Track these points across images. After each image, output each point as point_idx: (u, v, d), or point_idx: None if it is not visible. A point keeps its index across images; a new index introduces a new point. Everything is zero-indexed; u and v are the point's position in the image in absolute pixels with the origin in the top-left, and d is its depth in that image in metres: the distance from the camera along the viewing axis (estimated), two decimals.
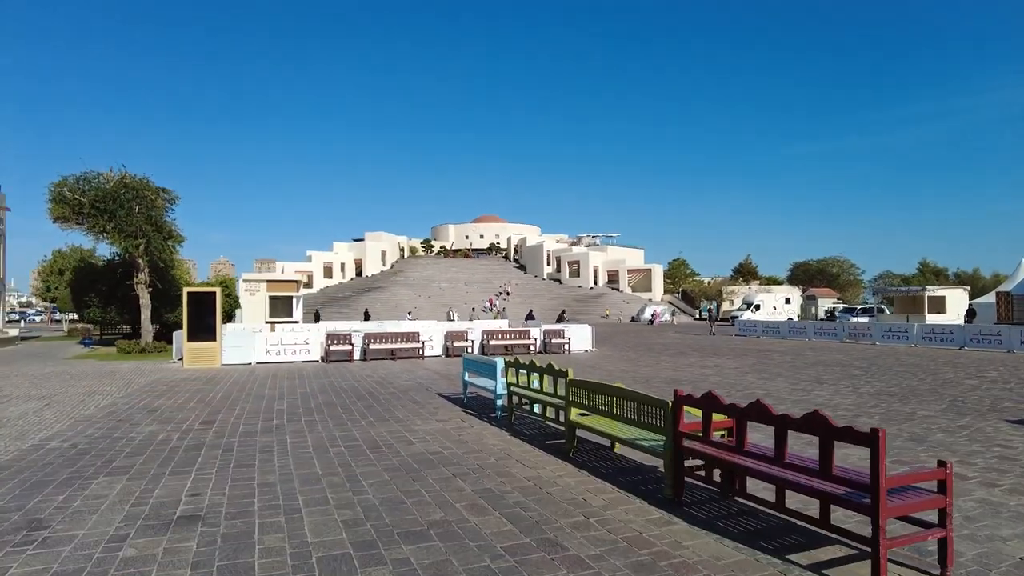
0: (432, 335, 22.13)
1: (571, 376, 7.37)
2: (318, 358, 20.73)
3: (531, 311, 39.94)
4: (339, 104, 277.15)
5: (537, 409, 8.65)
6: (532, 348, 22.89)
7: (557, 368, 7.71)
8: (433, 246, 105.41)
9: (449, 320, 47.58)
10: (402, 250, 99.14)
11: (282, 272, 64.80)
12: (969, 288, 45.36)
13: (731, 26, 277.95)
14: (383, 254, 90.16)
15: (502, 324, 33.33)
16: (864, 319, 41.60)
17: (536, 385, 8.74)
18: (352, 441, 8.23)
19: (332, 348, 20.34)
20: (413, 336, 21.43)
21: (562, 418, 8.13)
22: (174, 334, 20.85)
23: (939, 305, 40.28)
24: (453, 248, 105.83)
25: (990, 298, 42.63)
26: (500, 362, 9.84)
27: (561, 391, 7.90)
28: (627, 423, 6.28)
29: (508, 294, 73.48)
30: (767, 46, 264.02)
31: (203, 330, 19.26)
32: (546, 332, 23.30)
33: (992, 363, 18.68)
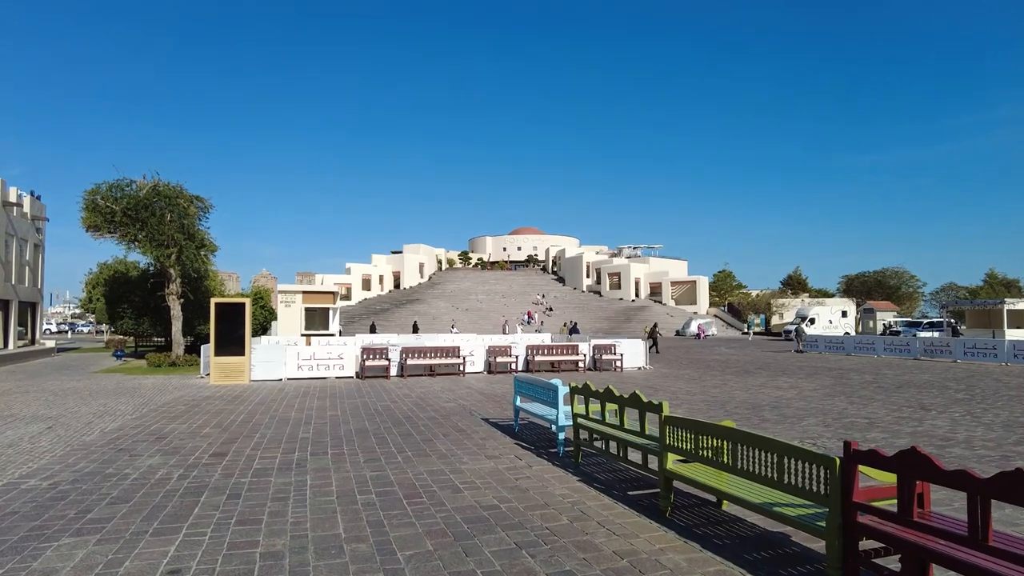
0: (473, 350, 20.58)
1: (667, 411, 5.68)
2: (353, 374, 19.37)
3: (575, 324, 38.14)
4: (377, 116, 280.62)
5: (612, 447, 6.96)
6: (581, 365, 21.14)
7: (646, 400, 6.03)
8: (471, 258, 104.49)
9: (505, 333, 45.91)
10: (440, 262, 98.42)
11: (321, 284, 64.49)
12: None
13: (775, 35, 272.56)
14: (421, 266, 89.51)
15: (544, 338, 31.66)
16: (935, 334, 38.63)
17: (612, 419, 7.05)
18: (386, 485, 6.66)
19: (367, 364, 18.96)
20: (453, 351, 19.91)
21: (650, 463, 6.44)
22: (202, 348, 19.76)
23: (1020, 319, 37.13)
24: (491, 260, 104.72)
25: None
26: (562, 387, 8.18)
27: (650, 428, 6.21)
28: (755, 480, 4.56)
29: (545, 306, 71.74)
30: (814, 55, 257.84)
31: (231, 344, 18.09)
32: (595, 348, 21.53)
33: None
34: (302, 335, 29.39)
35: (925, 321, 46.41)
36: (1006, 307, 37.36)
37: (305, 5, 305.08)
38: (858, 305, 59.97)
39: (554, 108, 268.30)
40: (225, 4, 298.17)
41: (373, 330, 44.98)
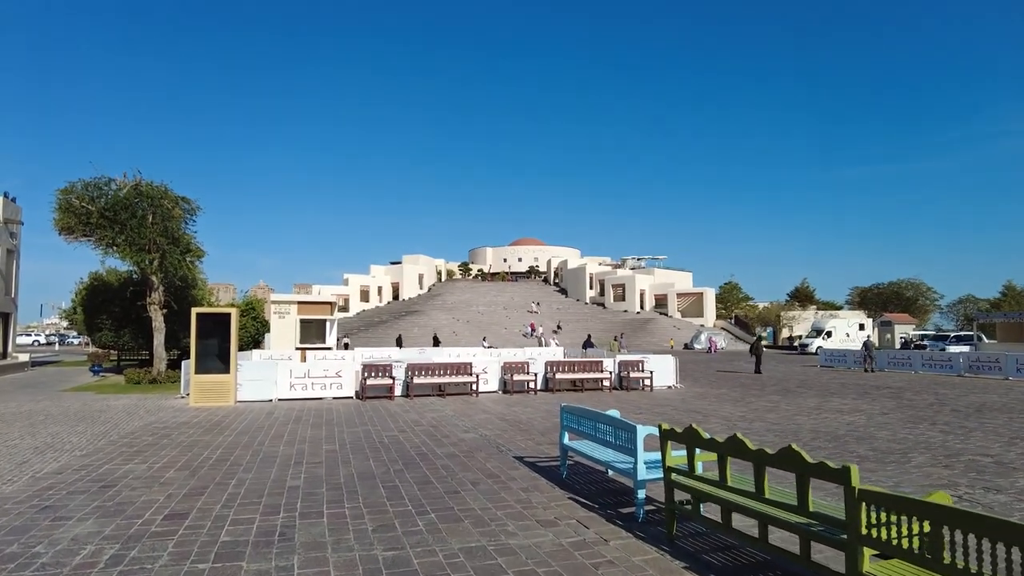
0: (487, 367, 18.45)
1: (857, 480, 3.58)
2: (352, 394, 17.21)
3: (589, 337, 36.01)
4: (374, 125, 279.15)
5: (740, 522, 4.84)
6: (606, 383, 19.01)
7: (809, 460, 3.92)
8: (471, 269, 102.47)
9: (542, 345, 42.93)
10: (439, 273, 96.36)
11: (318, 294, 62.23)
12: None
13: (781, 45, 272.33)
14: (420, 277, 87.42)
15: (557, 352, 29.53)
16: (964, 348, 36.55)
17: (734, 481, 4.92)
18: None
19: (369, 383, 16.80)
20: (465, 368, 17.77)
21: (814, 551, 4.30)
22: (183, 364, 17.61)
23: None
24: (491, 271, 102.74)
25: None
26: (642, 429, 6.06)
27: (817, 500, 4.10)
28: None
29: (539, 314, 69.60)
30: (822, 66, 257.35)
31: (215, 360, 15.94)
32: (621, 364, 19.40)
33: None
34: (297, 349, 27.25)
35: (952, 335, 44.36)
36: None
37: (301, 9, 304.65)
38: (875, 318, 57.95)
39: (556, 118, 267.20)
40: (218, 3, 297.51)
41: (400, 343, 41.65)
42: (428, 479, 7.68)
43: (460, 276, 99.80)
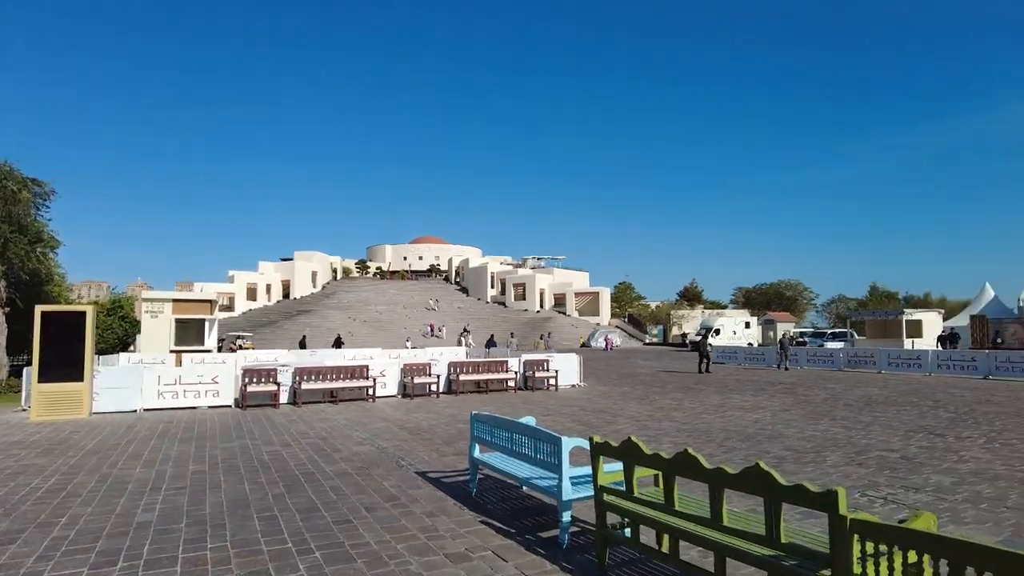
0: (385, 369, 17.22)
1: (845, 507, 2.94)
2: (231, 402, 15.46)
3: (491, 336, 35.30)
4: (268, 116, 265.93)
5: (692, 555, 4.13)
6: (511, 384, 18.30)
7: (783, 482, 3.25)
8: (369, 267, 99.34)
9: (462, 346, 40.63)
10: (335, 271, 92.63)
11: (200, 292, 57.66)
12: (943, 312, 43.94)
13: (678, 48, 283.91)
14: (314, 275, 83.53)
15: (458, 353, 28.61)
16: (840, 344, 39.11)
17: (682, 504, 4.20)
18: None
19: (250, 389, 15.13)
20: (360, 372, 16.46)
21: None
22: (24, 371, 15.15)
23: (916, 329, 38.25)
24: (390, 270, 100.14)
25: (960, 321, 41.14)
26: (568, 442, 5.26)
27: (789, 528, 3.43)
28: None
29: (439, 311, 68.52)
30: (718, 81, 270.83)
31: (66, 366, 13.73)
32: (527, 364, 18.77)
33: None
34: (172, 351, 24.66)
35: (829, 332, 47.47)
36: (904, 318, 38.42)
37: None
38: (760, 316, 61.30)
39: (456, 117, 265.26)
40: None
41: (303, 345, 38.41)
42: (314, 505, 6.54)
43: (358, 274, 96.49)
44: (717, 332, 52.95)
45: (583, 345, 58.88)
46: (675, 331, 72.00)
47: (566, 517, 5.15)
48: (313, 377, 15.83)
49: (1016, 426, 11.42)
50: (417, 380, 16.96)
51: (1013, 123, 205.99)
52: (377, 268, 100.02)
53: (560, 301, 79.69)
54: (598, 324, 71.46)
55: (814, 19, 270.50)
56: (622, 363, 33.10)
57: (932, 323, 39.64)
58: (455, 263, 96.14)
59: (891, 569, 2.88)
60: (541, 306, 78.19)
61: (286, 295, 78.33)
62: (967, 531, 5.47)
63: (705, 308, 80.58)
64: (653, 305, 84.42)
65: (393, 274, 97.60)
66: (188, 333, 25.73)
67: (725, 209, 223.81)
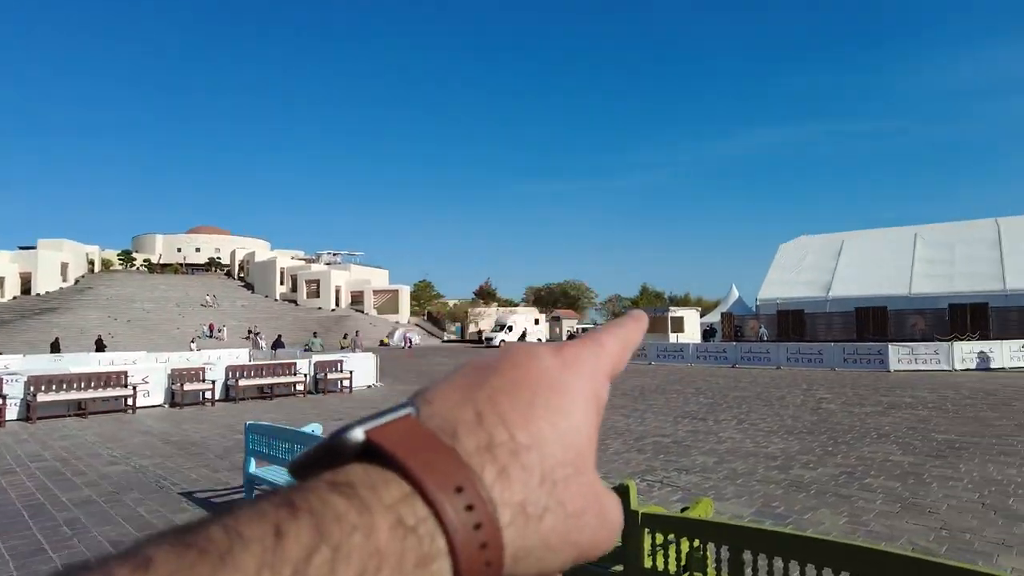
0: (148, 376, 15.07)
1: (636, 501, 2.92)
2: None
3: (279, 336, 32.92)
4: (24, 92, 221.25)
5: None
6: (300, 388, 17.10)
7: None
8: (135, 259, 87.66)
9: (257, 348, 35.73)
10: (92, 263, 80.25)
11: None
12: (700, 309, 50.19)
13: (489, 57, 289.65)
14: (64, 267, 71.49)
15: (239, 355, 26.26)
16: None
17: None
18: None
19: None
20: (117, 379, 14.20)
21: None
22: None
23: (679, 325, 43.32)
24: (162, 263, 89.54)
25: (713, 318, 47.52)
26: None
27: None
28: None
29: (217, 307, 63.06)
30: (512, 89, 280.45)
31: None
32: (318, 365, 17.68)
33: (805, 380, 18.43)
34: None
35: None
36: (669, 315, 43.33)
37: None
38: (546, 314, 65.13)
39: (235, 96, 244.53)
40: None
41: (57, 348, 31.76)
42: (39, 546, 5.30)
43: (121, 267, 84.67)
44: (510, 329, 55.30)
45: (383, 344, 57.85)
46: (472, 328, 73.93)
47: None
48: (53, 387, 13.28)
49: (758, 408, 13.22)
50: (188, 387, 15.08)
51: (760, 150, 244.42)
52: (145, 260, 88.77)
53: (358, 299, 77.50)
54: (397, 322, 70.75)
55: (602, 39, 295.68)
56: (421, 361, 32.96)
57: (693, 319, 45.20)
58: (239, 257, 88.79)
59: (677, 557, 2.91)
60: (337, 304, 75.36)
61: (27, 290, 66.16)
62: (729, 506, 6.03)
63: (499, 306, 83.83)
64: (451, 303, 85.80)
65: (165, 267, 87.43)
66: None
67: (519, 211, 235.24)
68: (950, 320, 34.12)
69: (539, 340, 51.26)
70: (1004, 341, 23.05)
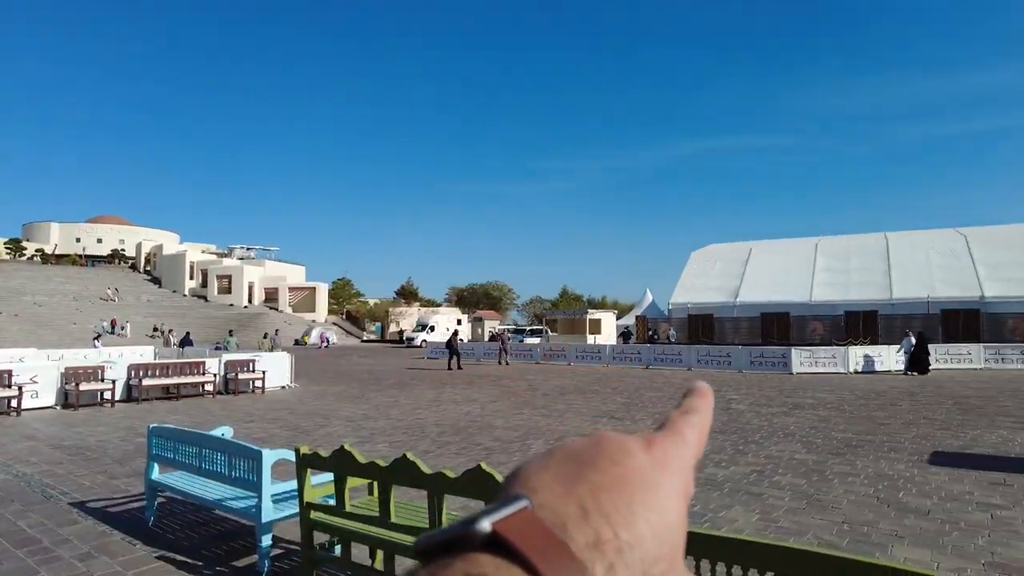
0: (37, 375, 13.93)
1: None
2: None
3: (188, 334, 31.19)
4: None
5: (404, 566, 3.81)
6: (209, 388, 16.26)
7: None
8: (26, 248, 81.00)
9: (169, 346, 32.60)
10: None
11: None
12: (617, 312, 51.49)
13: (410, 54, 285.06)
14: None
15: (144, 353, 24.74)
16: (537, 340, 43.42)
17: (400, 514, 3.88)
18: None
19: None
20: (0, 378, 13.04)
21: None
22: None
23: (597, 327, 44.32)
24: (57, 253, 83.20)
25: (629, 320, 48.87)
26: (270, 455, 4.60)
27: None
28: None
29: (118, 300, 59.36)
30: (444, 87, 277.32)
31: None
32: (229, 365, 16.88)
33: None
34: None
35: (528, 329, 52.33)
36: (588, 317, 44.25)
37: None
38: (468, 314, 65.03)
39: (151, 90, 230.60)
40: None
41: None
42: None
43: (9, 257, 77.94)
44: (432, 329, 54.85)
45: (298, 343, 56.01)
46: (393, 328, 72.78)
47: (266, 541, 4.50)
48: None
49: (672, 407, 13.63)
50: (85, 387, 14.02)
51: (678, 160, 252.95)
52: (38, 250, 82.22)
53: (272, 296, 74.68)
54: (313, 321, 68.68)
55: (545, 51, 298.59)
56: (339, 361, 32.13)
57: (609, 322, 46.33)
58: (145, 249, 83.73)
59: None
60: (250, 301, 72.36)
61: None
62: None
63: (421, 306, 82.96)
64: (372, 302, 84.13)
65: (61, 258, 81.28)
66: None
67: (443, 211, 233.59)
68: (846, 326, 36.54)
69: (461, 340, 51.06)
70: (890, 346, 24.89)
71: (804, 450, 8.95)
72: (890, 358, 23.65)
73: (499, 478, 3.18)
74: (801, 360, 23.37)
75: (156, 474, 5.72)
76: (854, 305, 37.18)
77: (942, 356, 24.35)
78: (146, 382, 15.16)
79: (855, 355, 23.53)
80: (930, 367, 22.24)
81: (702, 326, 41.34)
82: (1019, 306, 32.93)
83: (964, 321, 33.75)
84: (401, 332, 68.61)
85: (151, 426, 5.87)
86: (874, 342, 31.16)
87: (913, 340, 22.42)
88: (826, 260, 41.56)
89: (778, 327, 38.91)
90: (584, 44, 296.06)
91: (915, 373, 21.92)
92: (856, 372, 22.90)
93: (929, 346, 22.71)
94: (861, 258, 40.47)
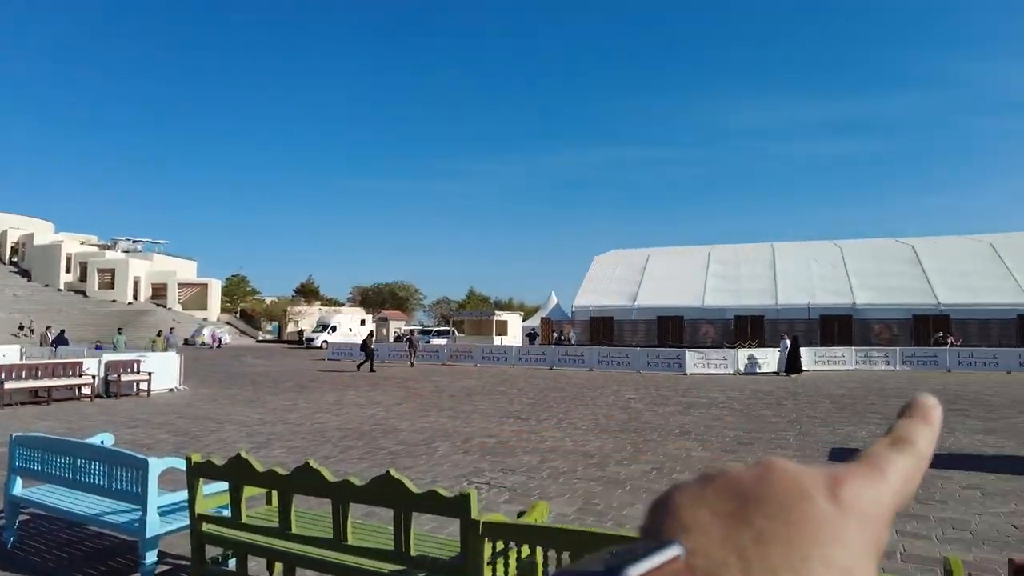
0: None
1: (477, 511, 2.88)
2: None
3: (62, 332, 28.49)
4: None
5: None
6: (87, 391, 14.94)
7: (414, 490, 3.05)
8: None
9: (43, 345, 28.52)
10: None
11: None
12: (523, 314, 52.05)
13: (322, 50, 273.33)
14: None
15: (7, 353, 22.43)
16: (444, 340, 43.16)
17: (300, 524, 3.69)
18: None
19: None
20: None
21: None
22: None
23: (503, 328, 44.62)
24: None
25: (535, 322, 49.57)
26: (156, 464, 4.26)
27: (421, 540, 3.22)
28: None
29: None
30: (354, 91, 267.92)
31: None
32: (110, 365, 15.60)
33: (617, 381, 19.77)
34: None
35: (435, 329, 51.92)
36: (495, 318, 44.50)
37: None
38: (372, 315, 63.71)
39: (28, 69, 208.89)
40: None
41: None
42: None
43: None
44: (333, 329, 53.26)
45: (188, 342, 52.72)
46: (291, 328, 70.00)
47: (151, 557, 4.16)
48: None
49: (575, 407, 13.96)
50: None
51: (584, 168, 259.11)
52: None
53: (160, 292, 69.87)
54: (205, 319, 64.91)
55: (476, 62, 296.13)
56: (232, 362, 30.56)
57: (515, 323, 46.78)
58: (12, 238, 75.97)
59: (518, 562, 2.93)
60: (135, 297, 67.41)
61: None
62: (554, 505, 6.24)
63: (322, 305, 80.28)
64: (268, 300, 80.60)
65: None
66: None
67: (345, 208, 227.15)
68: (735, 329, 38.80)
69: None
70: (774, 349, 26.66)
71: (700, 447, 9.39)
72: (773, 360, 25.32)
73: (410, 487, 3.08)
74: (695, 361, 24.55)
75: (18, 489, 5.15)
76: (743, 310, 39.53)
77: (820, 358, 26.35)
78: (10, 385, 13.71)
79: (742, 357, 25.00)
80: (802, 368, 24.00)
81: (603, 328, 42.56)
82: (883, 312, 36.25)
83: (839, 326, 36.74)
84: (300, 332, 66.12)
85: (15, 435, 5.29)
86: (760, 345, 33.27)
87: (788, 343, 24.17)
88: (718, 267, 43.95)
89: (673, 330, 40.71)
90: (493, 41, 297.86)
91: (787, 374, 23.59)
92: (739, 373, 24.34)
93: (808, 349, 24.52)
94: (750, 266, 43.13)
